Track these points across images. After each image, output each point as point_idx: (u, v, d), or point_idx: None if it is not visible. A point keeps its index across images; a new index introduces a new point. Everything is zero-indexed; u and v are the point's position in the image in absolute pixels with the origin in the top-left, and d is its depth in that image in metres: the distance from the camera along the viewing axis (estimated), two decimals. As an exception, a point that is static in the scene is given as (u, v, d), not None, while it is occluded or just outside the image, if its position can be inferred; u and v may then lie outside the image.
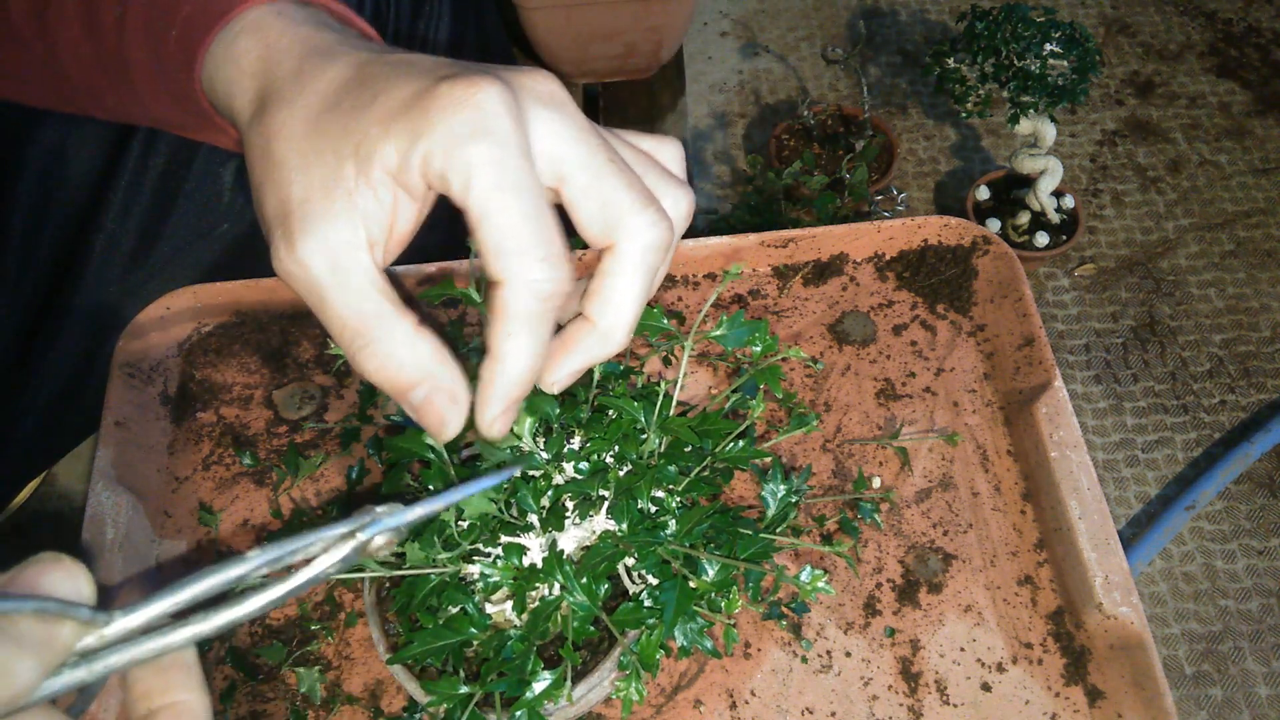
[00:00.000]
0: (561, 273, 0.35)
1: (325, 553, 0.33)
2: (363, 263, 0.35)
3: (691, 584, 0.48)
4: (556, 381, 0.39)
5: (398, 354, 0.36)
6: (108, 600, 0.29)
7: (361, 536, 0.33)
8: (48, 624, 0.26)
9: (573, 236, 0.38)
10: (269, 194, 0.36)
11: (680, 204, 0.39)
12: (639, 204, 0.36)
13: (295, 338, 0.69)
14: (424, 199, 0.36)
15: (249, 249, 0.75)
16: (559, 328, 0.39)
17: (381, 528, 0.34)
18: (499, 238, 0.34)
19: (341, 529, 0.33)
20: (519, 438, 0.48)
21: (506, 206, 0.33)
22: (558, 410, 0.49)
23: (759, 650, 0.57)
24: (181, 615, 0.30)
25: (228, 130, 0.44)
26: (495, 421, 0.38)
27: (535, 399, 0.48)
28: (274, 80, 0.38)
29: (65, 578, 0.28)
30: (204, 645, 0.58)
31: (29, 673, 0.26)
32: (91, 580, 0.28)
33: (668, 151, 0.40)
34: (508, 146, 0.34)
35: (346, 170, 0.34)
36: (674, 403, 0.53)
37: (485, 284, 0.37)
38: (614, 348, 0.39)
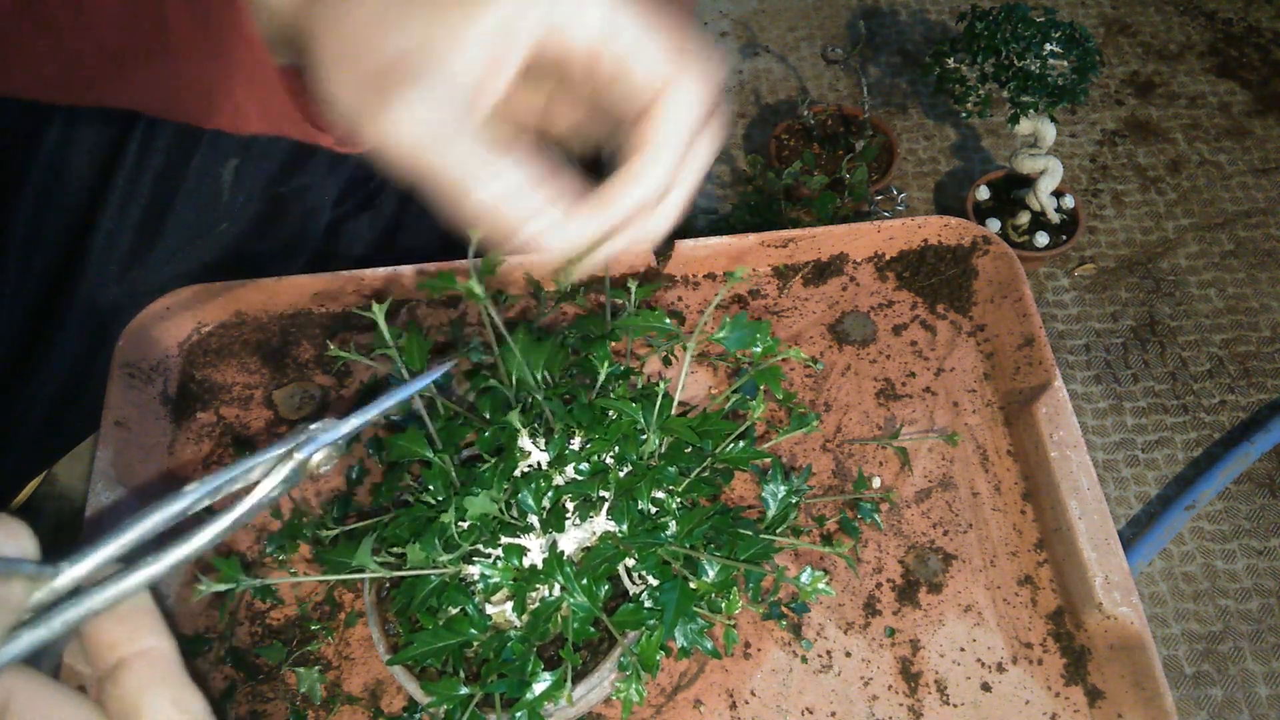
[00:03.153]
0: (714, 81, 0.36)
1: (266, 476, 0.32)
2: (467, 107, 0.35)
3: (692, 585, 0.48)
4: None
5: (507, 191, 0.36)
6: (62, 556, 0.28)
7: (300, 455, 0.32)
8: None
9: None
10: (358, 59, 0.36)
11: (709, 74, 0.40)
12: (689, 57, 0.37)
13: (295, 338, 0.69)
14: (526, 54, 0.36)
15: (249, 248, 0.74)
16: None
17: (319, 444, 0.33)
18: (643, 52, 0.35)
19: (279, 450, 0.32)
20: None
21: (639, 25, 0.35)
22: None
23: (759, 650, 0.57)
24: (131, 558, 0.29)
25: (264, 72, 0.43)
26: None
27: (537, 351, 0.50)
28: None
29: (6, 536, 0.27)
30: (203, 645, 0.58)
31: None
32: (33, 536, 0.28)
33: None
34: None
35: (452, 19, 0.35)
36: (674, 403, 0.53)
37: (623, 126, 0.38)
38: (665, 173, 0.38)
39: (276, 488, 0.32)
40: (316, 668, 0.57)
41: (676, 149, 0.37)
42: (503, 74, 0.36)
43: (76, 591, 0.28)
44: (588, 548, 0.50)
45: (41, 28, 0.47)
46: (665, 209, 0.40)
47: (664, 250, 0.69)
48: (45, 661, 0.30)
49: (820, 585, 0.49)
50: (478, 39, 0.35)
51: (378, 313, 0.49)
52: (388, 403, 0.38)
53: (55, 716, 0.27)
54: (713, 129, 0.39)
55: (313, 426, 0.34)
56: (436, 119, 0.35)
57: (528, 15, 0.35)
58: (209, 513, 0.31)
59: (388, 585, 0.53)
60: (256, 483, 0.32)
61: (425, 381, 0.43)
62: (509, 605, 0.49)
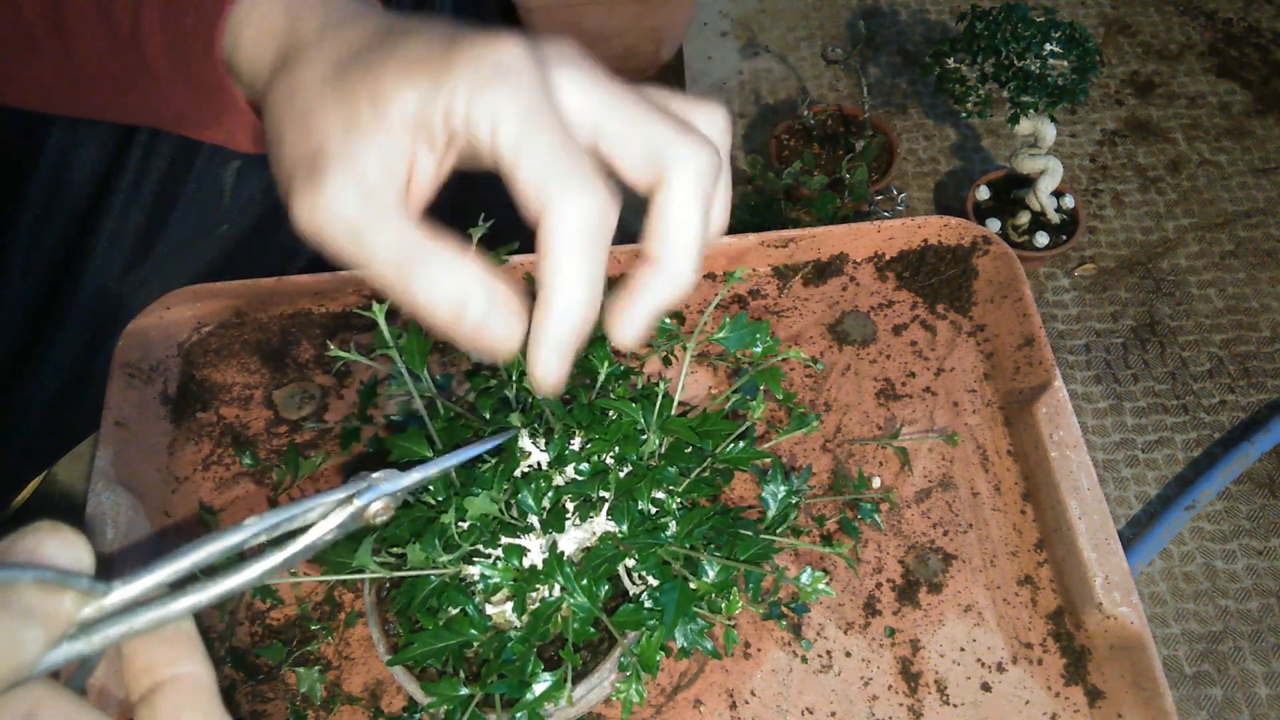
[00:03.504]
0: (604, 197, 0.34)
1: (323, 519, 0.32)
2: (390, 196, 0.34)
3: (692, 585, 0.48)
4: (629, 333, 0.38)
5: (448, 277, 0.35)
6: (109, 575, 0.28)
7: (359, 502, 0.33)
8: (49, 594, 0.26)
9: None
10: (290, 144, 0.36)
11: (715, 122, 0.38)
12: (676, 132, 0.35)
13: (295, 338, 0.69)
14: (442, 153, 0.35)
15: (249, 249, 0.75)
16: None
17: (379, 493, 0.34)
18: (534, 171, 0.33)
19: (339, 495, 0.33)
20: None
21: (537, 139, 0.33)
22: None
23: (759, 650, 0.57)
24: (180, 585, 0.29)
25: (245, 113, 0.44)
26: (551, 372, 0.37)
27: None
28: (298, 38, 0.38)
29: (64, 547, 0.27)
30: (204, 644, 0.58)
31: (35, 643, 0.25)
32: (91, 550, 0.28)
33: (703, 114, 0.38)
34: (532, 89, 0.33)
35: (363, 114, 0.34)
36: (674, 403, 0.53)
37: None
38: (684, 285, 0.37)
39: (332, 531, 0.33)
40: (316, 668, 0.57)
41: (579, 253, 0.35)
42: (421, 168, 0.35)
43: (123, 611, 0.28)
44: (588, 548, 0.50)
45: (34, 51, 0.48)
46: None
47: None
48: (79, 676, 0.30)
49: (820, 585, 0.49)
50: (386, 133, 0.34)
51: (378, 313, 0.49)
52: (451, 461, 0.39)
53: None
54: (596, 241, 0.36)
55: (375, 475, 0.35)
56: (353, 210, 0.34)
57: (435, 110, 0.33)
58: (263, 549, 0.31)
59: (388, 585, 0.53)
60: (312, 524, 0.32)
61: (494, 443, 0.44)
62: (509, 605, 0.49)
